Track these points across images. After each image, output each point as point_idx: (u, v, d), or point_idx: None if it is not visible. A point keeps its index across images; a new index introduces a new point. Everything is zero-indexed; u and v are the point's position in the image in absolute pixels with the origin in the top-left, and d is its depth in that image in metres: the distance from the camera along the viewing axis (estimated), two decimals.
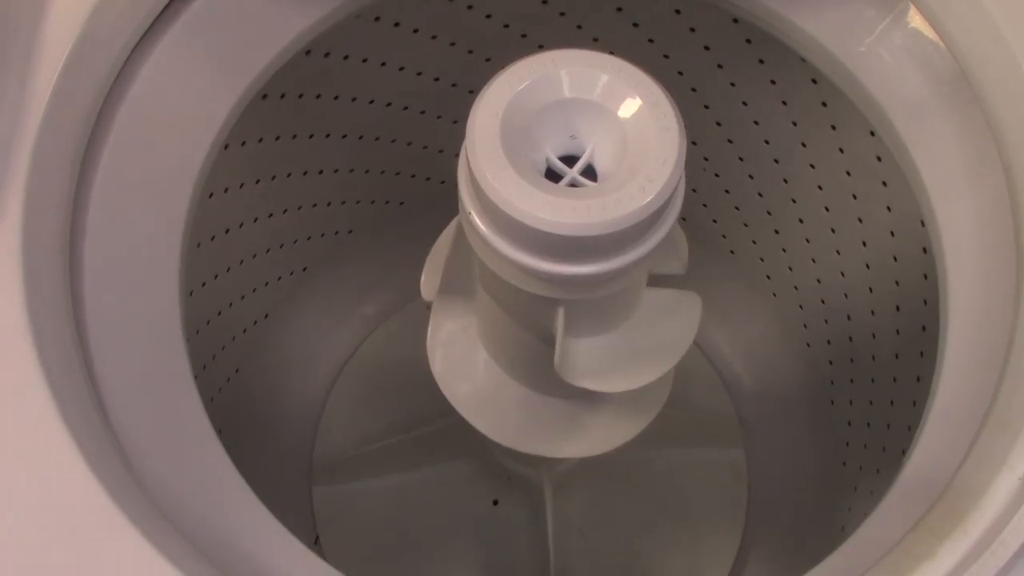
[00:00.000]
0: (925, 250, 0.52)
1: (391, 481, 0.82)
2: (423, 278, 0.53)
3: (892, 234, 0.60)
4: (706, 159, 0.73)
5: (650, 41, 0.65)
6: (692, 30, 0.63)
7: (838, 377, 0.75)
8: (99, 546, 0.35)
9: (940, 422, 0.44)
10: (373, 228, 0.81)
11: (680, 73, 0.66)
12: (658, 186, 0.34)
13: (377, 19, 0.61)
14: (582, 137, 0.37)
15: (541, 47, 0.36)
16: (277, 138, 0.63)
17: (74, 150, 0.43)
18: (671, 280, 0.47)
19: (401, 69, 0.67)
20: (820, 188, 0.67)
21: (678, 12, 0.62)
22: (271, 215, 0.68)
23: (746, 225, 0.78)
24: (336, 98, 0.66)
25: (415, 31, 0.64)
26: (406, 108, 0.71)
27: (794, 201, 0.71)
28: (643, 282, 0.45)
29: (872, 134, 0.54)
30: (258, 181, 0.64)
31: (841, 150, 0.62)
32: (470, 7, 0.64)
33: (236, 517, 0.41)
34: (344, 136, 0.70)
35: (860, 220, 0.64)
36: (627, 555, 0.81)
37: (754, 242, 0.79)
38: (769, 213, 0.74)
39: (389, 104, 0.70)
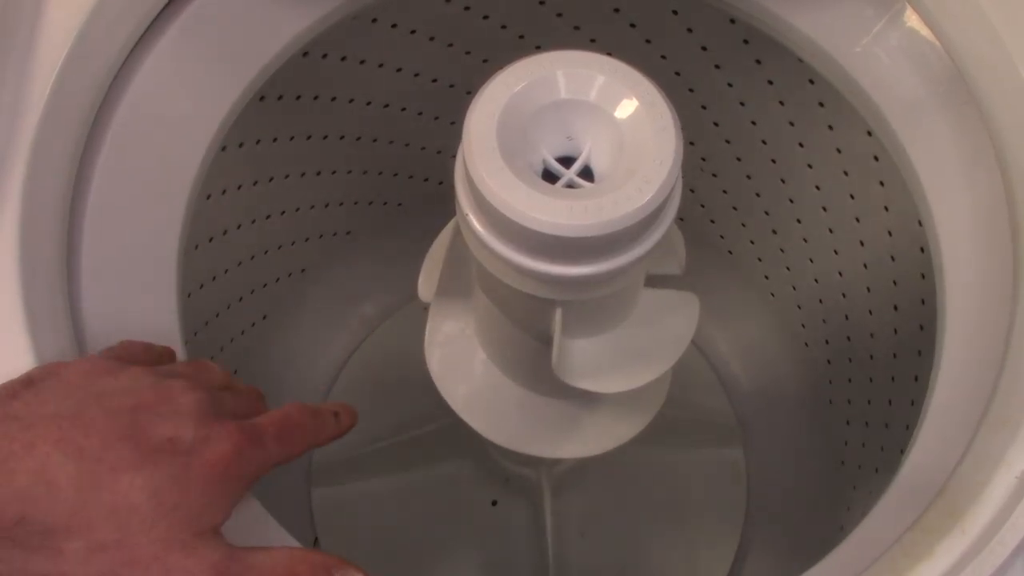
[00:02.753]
0: (922, 249, 0.52)
1: (390, 482, 0.82)
2: (421, 279, 0.53)
3: (890, 233, 0.60)
4: (703, 159, 0.73)
5: (647, 42, 0.66)
6: (689, 31, 0.63)
7: (836, 376, 0.75)
8: None
9: (938, 421, 0.44)
10: (371, 229, 0.81)
11: (677, 74, 0.66)
12: (655, 187, 0.34)
13: (374, 20, 0.61)
14: (579, 138, 0.37)
15: (538, 48, 0.36)
16: (275, 140, 0.63)
17: (71, 151, 0.43)
18: (669, 280, 0.47)
19: (399, 70, 0.67)
20: (818, 188, 0.67)
21: (675, 13, 0.62)
22: (269, 217, 0.68)
23: (744, 225, 0.78)
24: (334, 99, 0.66)
25: (412, 32, 0.64)
26: (404, 109, 0.71)
27: (792, 201, 0.71)
28: (640, 282, 0.45)
29: (869, 134, 0.54)
30: (256, 183, 0.64)
31: (838, 150, 0.62)
32: (467, 8, 0.64)
33: (234, 518, 0.41)
34: (342, 137, 0.70)
35: (858, 220, 0.64)
36: (626, 555, 0.81)
37: (752, 242, 0.79)
38: (767, 213, 0.74)
39: (387, 105, 0.70)
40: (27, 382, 0.34)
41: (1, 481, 0.30)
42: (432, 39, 0.66)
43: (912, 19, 0.50)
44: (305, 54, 0.56)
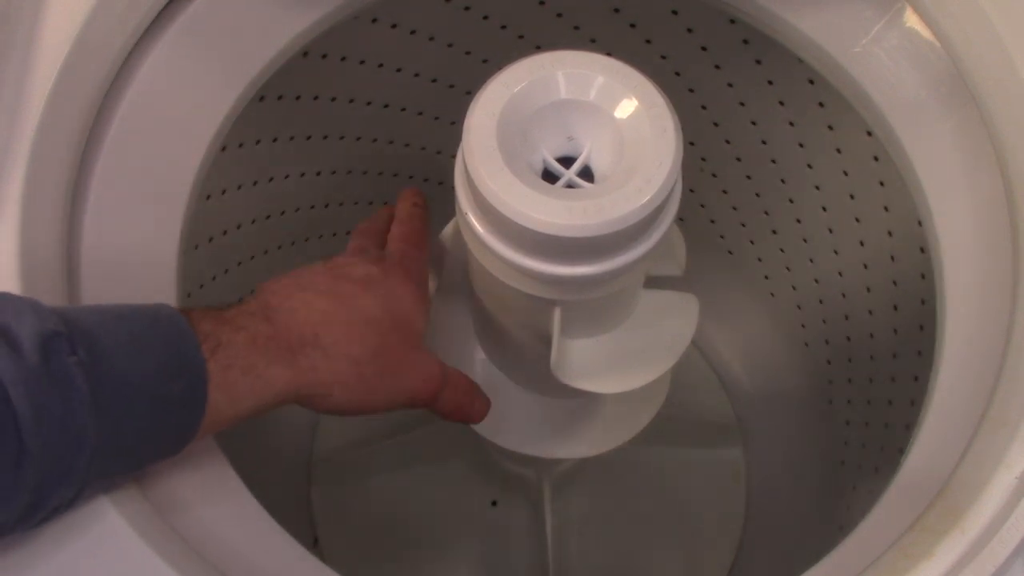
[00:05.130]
0: (922, 249, 0.52)
1: (389, 482, 0.82)
2: None
3: (890, 234, 0.60)
4: (703, 159, 0.73)
5: (647, 42, 0.66)
6: (689, 31, 0.63)
7: (836, 376, 0.75)
8: (97, 547, 0.35)
9: (938, 421, 0.44)
10: None
11: (677, 74, 0.66)
12: (655, 187, 0.34)
13: (375, 21, 0.61)
14: (579, 138, 0.37)
15: (538, 48, 0.36)
16: (275, 140, 0.63)
17: (71, 152, 0.43)
18: (669, 281, 0.47)
19: (399, 70, 0.67)
20: (817, 188, 0.67)
21: (675, 13, 0.62)
22: (268, 217, 0.68)
23: (744, 225, 0.78)
24: (333, 99, 0.66)
25: (412, 32, 0.64)
26: (404, 109, 0.71)
27: (792, 201, 0.71)
28: (640, 283, 0.45)
29: (869, 134, 0.54)
30: (255, 183, 0.64)
31: (838, 150, 0.62)
32: (467, 8, 0.64)
33: (234, 518, 0.41)
34: (342, 138, 0.70)
35: (858, 220, 0.64)
36: (626, 555, 0.81)
37: (752, 242, 0.79)
38: (767, 213, 0.74)
39: (387, 105, 0.70)
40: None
41: (296, 316, 0.40)
42: (432, 39, 0.66)
43: (912, 19, 0.50)
44: (305, 54, 0.56)
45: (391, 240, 0.49)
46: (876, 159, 0.57)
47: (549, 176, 0.37)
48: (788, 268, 0.77)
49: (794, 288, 0.78)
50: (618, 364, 0.46)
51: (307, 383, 0.40)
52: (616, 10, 0.64)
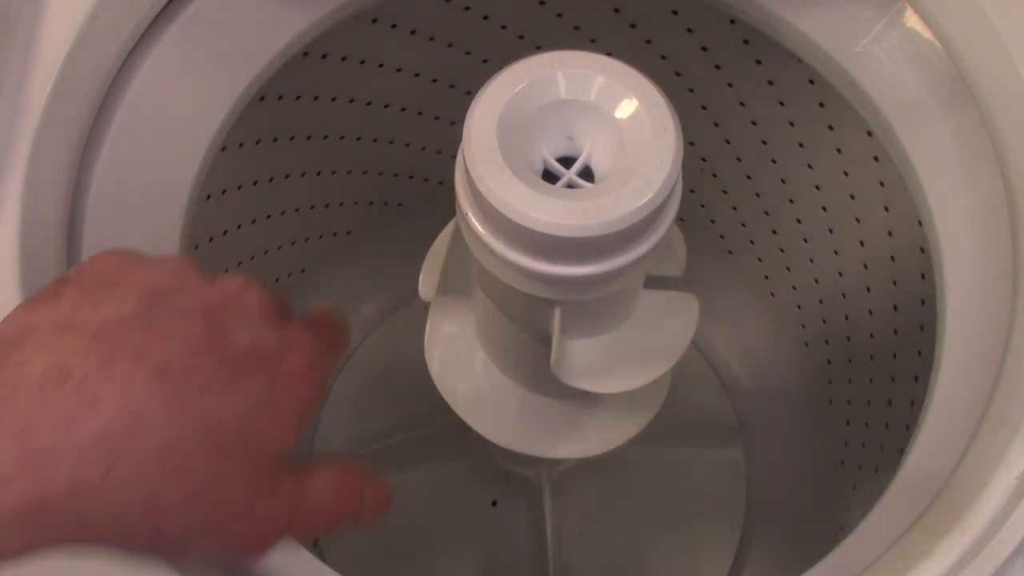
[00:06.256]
0: (922, 249, 0.52)
1: (389, 482, 0.82)
2: (421, 279, 0.53)
3: (890, 234, 0.60)
4: (703, 159, 0.73)
5: (647, 42, 0.66)
6: (689, 31, 0.63)
7: (836, 376, 0.75)
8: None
9: (938, 421, 0.44)
10: (371, 229, 0.81)
11: (677, 74, 0.66)
12: (655, 187, 0.34)
13: (375, 20, 0.61)
14: (579, 138, 0.37)
15: (538, 48, 0.36)
16: (275, 140, 0.63)
17: (71, 152, 0.43)
18: (669, 281, 0.47)
19: (399, 70, 0.67)
20: (818, 188, 0.67)
21: (675, 13, 0.62)
22: (269, 217, 0.68)
23: (744, 225, 0.78)
24: (333, 100, 0.66)
25: (412, 32, 0.64)
26: (404, 109, 0.71)
27: (792, 201, 0.71)
28: (640, 283, 0.45)
29: (869, 134, 0.54)
30: (256, 183, 0.64)
31: (838, 150, 0.62)
32: (467, 8, 0.64)
33: None
34: (342, 137, 0.70)
35: (858, 220, 0.64)
36: (626, 556, 0.81)
37: (752, 242, 0.79)
38: (767, 213, 0.74)
39: (387, 105, 0.70)
40: (60, 280, 0.28)
41: (83, 414, 0.24)
42: (432, 39, 0.66)
43: (912, 19, 0.50)
44: (305, 54, 0.56)
45: (304, 317, 0.34)
46: (876, 159, 0.57)
47: (549, 176, 0.37)
48: (788, 268, 0.77)
49: (794, 288, 0.78)
50: (618, 364, 0.46)
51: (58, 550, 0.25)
52: (616, 10, 0.64)
